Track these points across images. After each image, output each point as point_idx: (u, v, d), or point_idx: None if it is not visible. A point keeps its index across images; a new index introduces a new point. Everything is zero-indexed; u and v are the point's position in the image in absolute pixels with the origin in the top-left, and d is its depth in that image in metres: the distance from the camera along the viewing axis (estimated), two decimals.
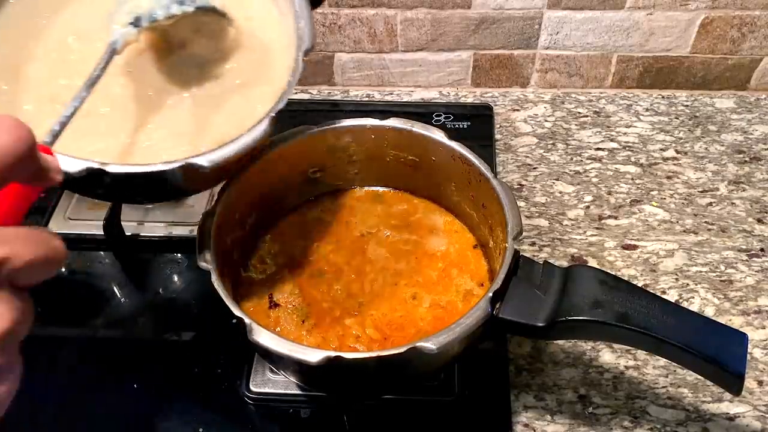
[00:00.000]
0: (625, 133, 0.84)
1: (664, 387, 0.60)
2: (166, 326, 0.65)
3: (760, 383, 0.61)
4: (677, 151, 0.81)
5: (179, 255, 0.71)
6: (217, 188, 0.59)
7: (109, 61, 0.47)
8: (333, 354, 0.46)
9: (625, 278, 0.54)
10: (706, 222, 0.73)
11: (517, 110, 0.88)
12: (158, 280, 0.70)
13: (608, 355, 0.62)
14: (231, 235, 0.60)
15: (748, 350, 0.47)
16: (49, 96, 0.51)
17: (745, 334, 0.48)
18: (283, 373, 0.57)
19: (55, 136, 0.41)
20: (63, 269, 0.71)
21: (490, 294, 0.49)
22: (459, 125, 0.82)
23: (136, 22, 0.49)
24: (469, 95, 0.90)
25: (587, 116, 0.86)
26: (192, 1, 0.51)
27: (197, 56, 0.54)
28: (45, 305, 0.67)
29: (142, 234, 0.71)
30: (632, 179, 0.78)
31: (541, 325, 0.49)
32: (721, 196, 0.76)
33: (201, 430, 0.57)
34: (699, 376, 0.50)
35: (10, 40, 0.53)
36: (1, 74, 0.51)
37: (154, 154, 0.50)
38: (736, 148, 0.81)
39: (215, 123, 0.52)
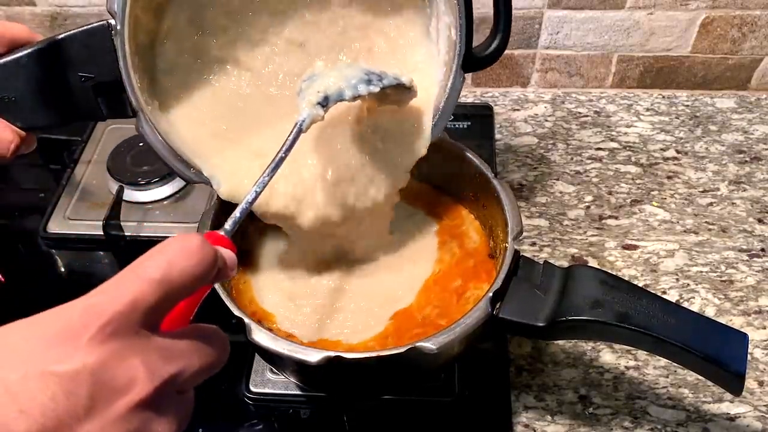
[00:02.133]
0: (625, 133, 0.84)
1: (664, 387, 0.60)
2: None
3: (761, 383, 0.60)
4: (678, 151, 0.81)
5: None
6: None
7: (295, 140, 0.47)
8: (333, 354, 0.46)
9: (626, 278, 0.54)
10: (706, 222, 0.73)
11: (518, 110, 0.87)
12: None
13: (609, 356, 0.62)
14: None
15: (749, 350, 0.47)
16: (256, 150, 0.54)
17: (745, 335, 0.48)
18: (283, 373, 0.57)
19: (236, 223, 0.42)
20: (63, 269, 0.71)
21: (490, 294, 0.49)
22: (459, 125, 0.82)
23: (323, 102, 0.49)
24: (469, 95, 0.90)
25: (587, 116, 0.86)
26: (379, 81, 0.51)
27: (378, 124, 0.56)
28: (45, 305, 0.67)
29: (142, 234, 0.71)
30: (633, 179, 0.78)
31: (541, 325, 0.49)
32: (721, 196, 0.76)
33: (201, 430, 0.57)
34: (699, 377, 0.50)
35: (246, 116, 0.56)
36: (221, 135, 0.55)
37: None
38: (737, 148, 0.81)
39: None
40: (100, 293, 0.30)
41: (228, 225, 0.41)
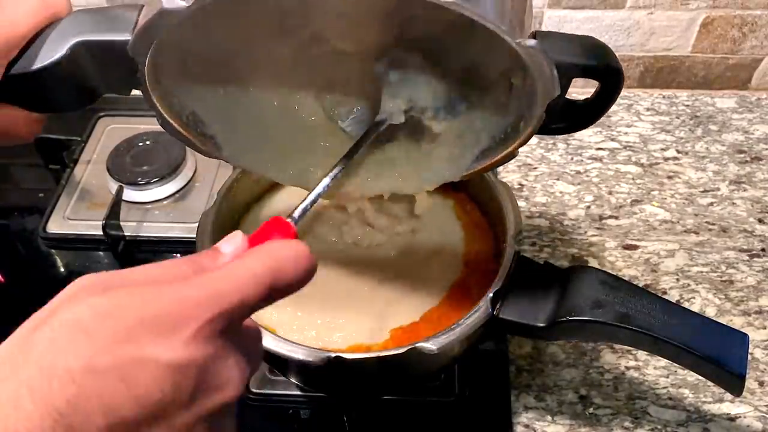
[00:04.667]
0: (625, 133, 0.84)
1: (665, 387, 0.60)
2: None
3: (761, 384, 0.60)
4: (678, 151, 0.81)
5: (179, 255, 0.71)
6: (217, 188, 0.59)
7: (370, 137, 0.46)
8: (333, 354, 0.46)
9: (626, 278, 0.54)
10: (707, 222, 0.73)
11: None
12: None
13: (609, 356, 0.62)
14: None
15: (749, 351, 0.47)
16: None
17: (745, 335, 0.48)
18: (284, 373, 0.57)
19: (305, 212, 0.40)
20: (62, 269, 0.71)
21: (491, 294, 0.49)
22: None
23: (408, 110, 0.48)
24: None
25: None
26: (452, 109, 0.49)
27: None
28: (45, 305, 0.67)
29: (141, 234, 0.71)
30: (633, 179, 0.78)
31: (541, 325, 0.49)
32: (722, 196, 0.76)
33: None
34: (700, 377, 0.50)
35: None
36: None
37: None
38: (737, 148, 0.81)
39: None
40: (208, 284, 0.30)
41: (297, 213, 0.40)
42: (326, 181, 0.43)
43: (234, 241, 0.34)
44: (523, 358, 0.62)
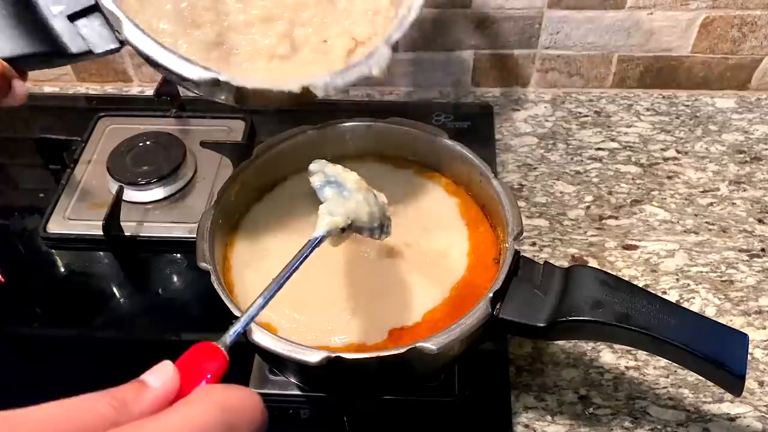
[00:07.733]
0: (625, 133, 0.84)
1: (664, 387, 0.60)
2: (165, 326, 0.65)
3: (761, 384, 0.60)
4: (678, 151, 0.81)
5: (179, 255, 0.71)
6: (217, 188, 0.59)
7: (308, 255, 0.45)
8: (333, 354, 0.46)
9: (626, 278, 0.54)
10: (706, 222, 0.73)
11: (518, 110, 0.87)
12: (158, 280, 0.70)
13: (609, 356, 0.62)
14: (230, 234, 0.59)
15: (749, 351, 0.47)
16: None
17: (745, 335, 0.48)
18: (283, 373, 0.57)
19: (237, 337, 0.39)
20: (62, 269, 0.71)
21: (491, 294, 0.49)
22: (459, 125, 0.82)
23: (346, 227, 0.47)
24: (469, 95, 0.90)
25: (588, 116, 0.86)
26: (385, 230, 0.51)
27: None
28: (45, 305, 0.68)
29: (141, 234, 0.71)
30: (633, 179, 0.78)
31: (541, 325, 0.49)
32: (721, 196, 0.76)
33: None
34: (700, 377, 0.50)
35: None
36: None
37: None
38: (737, 148, 0.81)
39: None
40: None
41: (229, 339, 0.38)
42: (260, 302, 0.41)
43: (163, 373, 0.29)
44: (523, 358, 0.62)
